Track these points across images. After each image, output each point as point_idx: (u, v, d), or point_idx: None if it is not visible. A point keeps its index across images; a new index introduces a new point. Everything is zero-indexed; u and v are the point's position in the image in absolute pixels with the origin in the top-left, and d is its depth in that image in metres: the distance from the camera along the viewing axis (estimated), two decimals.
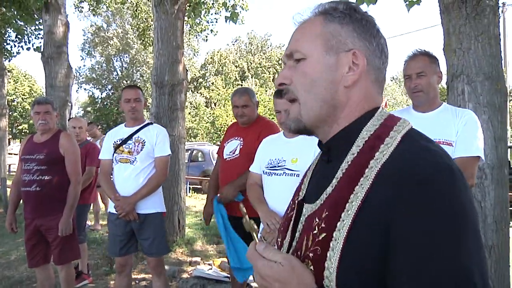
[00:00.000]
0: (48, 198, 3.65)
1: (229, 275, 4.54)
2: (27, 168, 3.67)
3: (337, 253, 0.82)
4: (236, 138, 3.65)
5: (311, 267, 0.87)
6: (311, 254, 0.88)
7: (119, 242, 3.57)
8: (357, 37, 0.95)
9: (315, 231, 0.89)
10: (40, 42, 10.38)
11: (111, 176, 3.69)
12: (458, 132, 2.36)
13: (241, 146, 3.54)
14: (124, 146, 3.59)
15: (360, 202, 0.82)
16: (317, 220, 0.90)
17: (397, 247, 0.76)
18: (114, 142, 3.65)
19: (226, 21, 9.34)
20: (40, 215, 3.67)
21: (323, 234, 0.86)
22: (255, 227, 0.97)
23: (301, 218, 0.99)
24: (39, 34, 10.89)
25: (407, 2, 4.75)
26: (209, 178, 13.91)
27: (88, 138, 6.58)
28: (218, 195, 3.57)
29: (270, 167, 2.78)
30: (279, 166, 2.72)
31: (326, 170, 0.98)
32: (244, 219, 1.00)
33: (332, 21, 0.96)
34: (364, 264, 0.79)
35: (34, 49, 10.67)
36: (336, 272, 0.82)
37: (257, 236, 0.95)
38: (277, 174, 2.73)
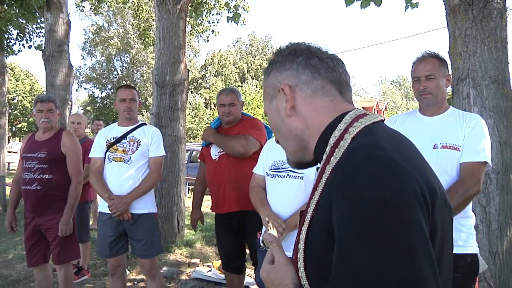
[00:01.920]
0: (48, 197, 3.61)
1: None
2: (28, 166, 3.63)
3: (301, 254, 0.94)
4: None
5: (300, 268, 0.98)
6: (293, 257, 1.00)
7: (109, 242, 3.52)
8: (279, 74, 1.08)
9: (298, 233, 1.01)
10: (42, 41, 10.36)
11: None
12: (465, 136, 2.31)
13: None
14: (118, 145, 3.55)
15: (314, 207, 0.93)
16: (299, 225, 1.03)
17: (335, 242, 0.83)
18: (107, 140, 3.60)
19: (228, 22, 9.32)
20: (40, 214, 3.62)
21: (297, 239, 0.99)
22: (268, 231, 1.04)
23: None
24: (40, 32, 10.86)
25: (409, 4, 4.74)
26: None
27: (90, 136, 6.52)
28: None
29: (274, 169, 2.73)
30: (283, 168, 2.68)
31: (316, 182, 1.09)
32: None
33: (265, 78, 1.14)
34: (320, 264, 0.88)
35: (35, 47, 10.63)
36: (304, 272, 0.93)
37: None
38: (280, 176, 2.68)
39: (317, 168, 1.06)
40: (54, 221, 3.61)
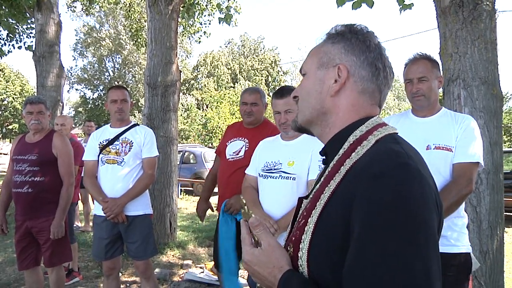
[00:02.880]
0: (39, 199, 3.57)
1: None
2: (18, 169, 3.59)
3: (308, 236, 0.96)
4: (240, 138, 3.54)
5: (292, 249, 1.01)
6: (293, 238, 1.03)
7: (105, 245, 3.50)
8: (345, 53, 1.08)
9: (299, 219, 1.06)
10: (32, 41, 10.26)
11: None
12: (458, 137, 2.33)
13: (247, 148, 3.42)
14: (111, 147, 3.53)
15: (330, 193, 0.96)
16: (303, 210, 1.07)
17: (352, 236, 0.86)
18: (100, 142, 3.58)
19: (220, 23, 9.31)
20: (31, 217, 3.59)
21: (303, 221, 1.01)
22: (253, 215, 1.04)
23: (300, 212, 1.14)
24: (31, 33, 10.75)
25: (401, 6, 4.77)
26: (201, 180, 13.85)
27: (80, 137, 6.49)
28: (225, 202, 3.32)
29: (266, 170, 2.73)
30: (275, 169, 2.68)
31: (322, 171, 1.14)
32: (243, 210, 1.10)
33: (327, 41, 1.12)
34: (328, 248, 0.91)
35: (25, 48, 10.54)
36: (307, 253, 0.95)
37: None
38: (273, 177, 2.68)
39: (324, 160, 1.15)
40: (45, 223, 3.58)
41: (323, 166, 2.59)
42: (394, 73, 1.14)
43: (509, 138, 36.17)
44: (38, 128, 3.66)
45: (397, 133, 1.05)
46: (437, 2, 3.66)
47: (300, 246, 0.97)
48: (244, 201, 1.03)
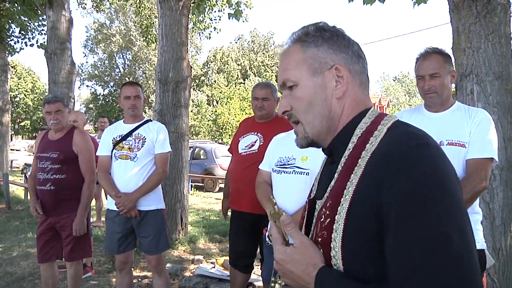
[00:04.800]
0: (62, 196, 3.64)
1: None
2: (41, 166, 3.65)
3: (339, 234, 0.94)
4: (253, 133, 3.55)
5: (321, 250, 0.99)
6: (319, 239, 1.01)
7: (117, 239, 3.54)
8: (333, 53, 1.07)
9: (322, 219, 1.02)
10: (44, 38, 10.36)
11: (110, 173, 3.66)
12: (471, 133, 2.29)
13: (261, 143, 3.42)
14: (124, 142, 3.56)
15: (354, 187, 0.95)
16: (323, 210, 1.03)
17: (387, 219, 0.86)
18: (113, 138, 3.61)
19: (229, 18, 9.30)
20: (54, 213, 3.67)
21: (328, 220, 0.99)
22: (284, 214, 1.05)
23: (315, 213, 1.11)
24: (42, 30, 10.87)
25: (414, 1, 4.72)
26: (211, 176, 13.87)
27: (92, 133, 6.53)
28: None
29: (280, 165, 2.74)
30: (289, 164, 2.68)
31: (331, 170, 1.11)
32: (273, 210, 1.07)
33: (309, 46, 1.08)
34: (363, 240, 0.91)
35: (37, 45, 10.64)
36: (341, 250, 0.94)
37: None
38: (286, 172, 2.68)
39: (331, 160, 1.13)
40: (68, 219, 3.65)
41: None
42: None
43: None
44: (58, 128, 3.70)
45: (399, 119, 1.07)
46: None
47: (332, 245, 0.96)
48: (275, 201, 0.99)
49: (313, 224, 1.10)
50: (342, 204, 0.96)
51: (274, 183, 2.80)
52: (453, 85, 2.71)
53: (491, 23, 3.35)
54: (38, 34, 11.27)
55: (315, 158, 2.63)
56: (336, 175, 1.05)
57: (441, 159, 0.90)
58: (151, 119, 3.86)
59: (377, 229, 0.88)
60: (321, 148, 1.17)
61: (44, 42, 9.89)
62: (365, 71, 1.11)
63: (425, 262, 0.79)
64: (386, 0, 4.73)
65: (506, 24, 3.38)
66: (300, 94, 1.09)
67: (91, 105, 46.34)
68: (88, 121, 42.21)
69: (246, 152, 3.49)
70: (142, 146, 3.53)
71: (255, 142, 3.47)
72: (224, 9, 11.76)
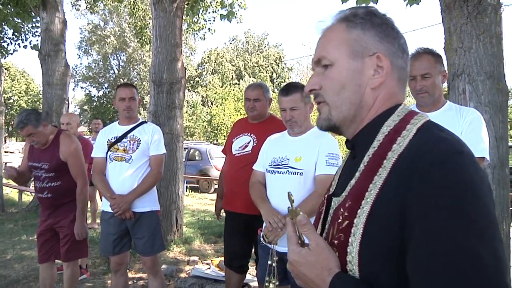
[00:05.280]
0: (60, 201, 3.68)
1: None
2: (37, 175, 3.68)
3: (357, 238, 0.89)
4: (246, 134, 3.56)
5: (337, 254, 0.94)
6: (336, 241, 0.95)
7: (112, 241, 3.55)
8: (379, 40, 1.00)
9: (339, 220, 0.96)
10: (37, 40, 10.32)
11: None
12: (463, 132, 2.32)
13: (255, 144, 3.43)
14: (119, 144, 3.56)
15: (378, 190, 0.89)
16: (341, 210, 0.97)
17: (411, 229, 0.81)
18: (108, 140, 3.61)
19: (221, 20, 9.32)
20: (53, 216, 3.71)
21: (346, 222, 0.93)
22: (301, 213, 1.01)
23: (330, 211, 1.06)
24: (36, 31, 10.83)
25: (407, 0, 4.75)
26: (206, 177, 13.84)
27: (86, 135, 6.53)
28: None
29: (274, 166, 2.75)
30: (282, 165, 2.70)
31: (351, 166, 1.05)
32: (290, 207, 1.05)
33: (355, 28, 1.02)
34: (382, 249, 0.85)
35: (31, 47, 10.60)
36: (357, 256, 0.88)
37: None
38: (280, 173, 2.70)
39: (353, 154, 1.06)
40: (65, 220, 3.68)
41: (332, 161, 2.61)
42: None
43: None
44: (40, 145, 3.66)
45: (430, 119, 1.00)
46: None
47: (348, 249, 0.90)
48: (293, 198, 0.96)
49: (327, 222, 1.05)
50: (363, 207, 0.90)
51: (268, 183, 2.82)
52: (445, 85, 2.74)
53: (482, 24, 3.38)
54: (32, 35, 11.23)
55: (309, 159, 2.65)
56: (357, 174, 0.99)
57: (476, 170, 0.83)
58: (146, 120, 3.87)
59: (399, 239, 0.83)
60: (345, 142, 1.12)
61: (37, 43, 9.86)
62: (406, 67, 1.04)
63: (452, 282, 0.74)
64: (379, 1, 4.76)
65: (496, 24, 3.41)
66: (334, 75, 1.03)
67: (85, 107, 46.18)
68: (83, 123, 42.08)
69: (239, 153, 3.50)
70: (137, 148, 3.53)
71: (248, 143, 3.49)
72: (218, 10, 11.77)
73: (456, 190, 0.79)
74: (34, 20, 10.22)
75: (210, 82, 42.03)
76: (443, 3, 3.63)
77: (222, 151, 3.98)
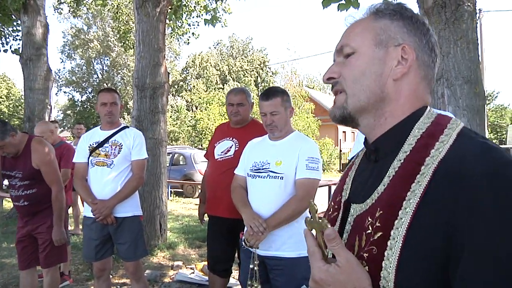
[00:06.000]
0: (36, 208, 3.62)
1: None
2: (12, 183, 3.62)
3: (396, 252, 0.81)
4: (228, 138, 3.57)
5: (366, 268, 0.85)
6: (365, 255, 0.87)
7: (95, 246, 3.53)
8: (407, 32, 0.97)
9: (368, 231, 0.88)
10: (19, 44, 10.20)
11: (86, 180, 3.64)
12: None
13: (237, 148, 3.44)
14: (100, 149, 3.55)
15: (418, 200, 0.81)
16: (369, 219, 0.89)
17: (464, 249, 0.73)
18: (90, 145, 3.60)
19: (205, 24, 9.33)
20: (31, 223, 3.66)
21: (379, 233, 0.85)
22: (329, 226, 0.90)
23: (349, 219, 0.98)
24: (17, 35, 10.70)
25: None
26: (190, 182, 13.79)
27: (69, 141, 6.49)
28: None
29: (255, 170, 2.77)
30: (263, 169, 2.72)
31: (373, 169, 0.98)
32: (310, 218, 0.93)
33: (383, 17, 0.99)
34: (424, 264, 0.78)
35: (12, 51, 10.48)
36: (395, 272, 0.80)
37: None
38: (261, 177, 2.72)
39: (376, 157, 1.00)
40: (43, 226, 3.63)
41: (312, 165, 2.64)
42: None
43: (496, 135, 36.63)
44: (10, 155, 3.57)
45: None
46: (420, 3, 3.73)
47: (383, 264, 0.82)
48: (316, 207, 0.86)
49: (346, 231, 0.97)
50: (401, 218, 0.82)
51: (249, 187, 2.83)
52: None
53: (459, 29, 3.46)
54: (13, 39, 11.09)
55: (289, 163, 2.68)
56: (386, 179, 0.90)
57: None
58: (128, 125, 3.86)
59: (443, 254, 0.76)
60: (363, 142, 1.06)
61: (18, 47, 9.75)
62: (434, 67, 0.99)
63: None
64: (360, 6, 4.82)
65: (473, 30, 3.50)
66: (355, 61, 0.98)
67: (68, 112, 45.64)
68: (66, 128, 41.60)
69: (222, 157, 3.51)
70: (118, 153, 3.53)
71: (230, 147, 3.50)
72: (202, 15, 11.79)
73: (508, 204, 0.72)
74: (15, 23, 10.11)
75: (194, 86, 41.95)
76: (422, 9, 3.70)
77: (204, 155, 3.99)
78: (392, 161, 0.92)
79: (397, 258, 0.80)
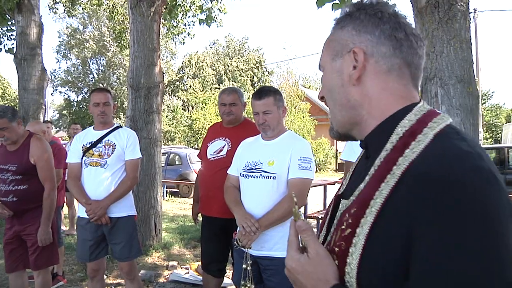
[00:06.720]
0: (25, 206, 3.57)
1: None
2: (2, 178, 3.56)
3: (358, 250, 0.82)
4: (221, 138, 3.56)
5: (336, 262, 0.87)
6: (336, 249, 0.89)
7: (89, 247, 3.52)
8: (356, 34, 0.95)
9: (343, 226, 0.90)
10: (13, 44, 10.15)
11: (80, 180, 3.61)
12: None
13: (229, 148, 3.43)
14: (94, 149, 3.54)
15: (383, 200, 0.81)
16: (347, 215, 0.91)
17: (417, 252, 0.74)
18: (83, 145, 3.59)
19: (200, 24, 9.31)
20: (19, 223, 3.60)
21: (349, 230, 0.87)
22: (302, 217, 0.97)
23: (338, 213, 1.00)
24: (12, 35, 10.64)
25: None
26: (186, 182, 13.78)
27: (65, 141, 6.46)
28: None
29: (247, 170, 2.78)
30: (256, 169, 2.73)
31: (363, 166, 0.99)
32: (293, 209, 0.98)
33: (335, 28, 1.00)
34: (384, 263, 0.79)
35: (6, 50, 10.43)
36: (356, 268, 0.82)
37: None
38: (253, 177, 2.73)
39: (366, 154, 0.99)
40: (32, 227, 3.58)
41: (304, 165, 2.65)
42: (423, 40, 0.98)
43: (491, 135, 36.76)
44: (9, 143, 3.58)
45: (452, 122, 0.91)
46: (414, 3, 3.72)
47: (348, 260, 0.84)
48: (295, 199, 0.93)
49: (333, 225, 0.99)
50: (367, 217, 0.83)
51: (242, 187, 2.84)
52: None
53: (452, 29, 3.46)
54: (7, 39, 11.04)
55: (282, 163, 2.68)
56: (367, 177, 0.91)
57: (494, 189, 0.74)
58: (121, 125, 3.85)
59: (402, 256, 0.76)
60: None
61: (13, 47, 9.71)
62: (400, 52, 0.93)
63: None
64: None
65: (466, 29, 3.50)
66: (324, 80, 1.01)
67: (64, 112, 45.49)
68: (62, 128, 41.45)
69: (214, 157, 3.51)
70: (112, 153, 3.52)
71: (223, 147, 3.50)
72: (198, 15, 11.77)
73: (467, 217, 0.71)
74: (9, 23, 10.06)
75: (190, 86, 41.89)
76: (415, 8, 3.70)
77: (197, 155, 3.98)
78: (375, 159, 0.92)
79: (359, 255, 0.82)
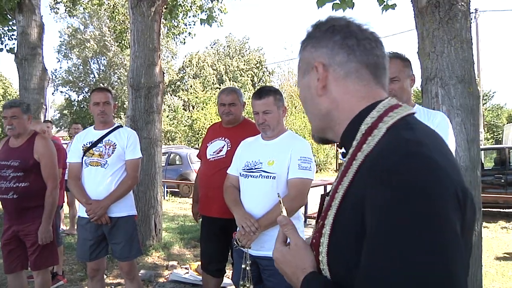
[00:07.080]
0: (26, 205, 3.54)
1: None
2: (3, 175, 3.54)
3: (326, 239, 0.92)
4: (220, 138, 3.56)
5: (314, 252, 0.97)
6: (314, 241, 0.99)
7: (89, 246, 3.51)
8: (315, 50, 1.05)
9: (320, 220, 1.00)
10: (14, 43, 10.15)
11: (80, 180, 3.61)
12: None
13: (229, 148, 3.42)
14: (94, 149, 3.53)
15: (343, 192, 0.90)
16: (324, 210, 1.00)
17: (366, 237, 0.80)
18: (84, 145, 3.58)
19: (201, 24, 9.31)
20: (17, 222, 3.57)
21: (321, 222, 0.97)
22: (283, 213, 1.12)
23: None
24: (12, 35, 10.63)
25: (382, 5, 4.83)
26: (186, 182, 13.78)
27: (66, 141, 6.46)
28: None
29: (247, 170, 2.77)
30: (255, 169, 2.72)
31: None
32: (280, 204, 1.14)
33: (300, 49, 1.11)
34: (346, 250, 0.86)
35: (7, 50, 10.43)
36: (326, 256, 0.91)
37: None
38: (253, 177, 2.72)
39: (343, 154, 1.04)
40: (32, 227, 3.56)
41: (304, 165, 2.65)
42: (381, 40, 1.06)
43: (492, 135, 36.70)
44: (14, 133, 3.60)
45: (414, 113, 0.97)
46: (414, 3, 3.72)
47: (320, 249, 0.93)
48: (279, 196, 1.31)
49: (319, 221, 1.06)
50: (332, 208, 0.92)
51: (242, 187, 2.83)
52: (419, 89, 2.79)
53: (453, 29, 3.45)
54: (8, 39, 11.03)
55: (281, 162, 2.68)
56: (338, 174, 0.99)
57: (430, 174, 0.78)
58: (122, 125, 3.85)
59: (357, 243, 0.82)
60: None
61: (14, 47, 9.71)
62: (356, 56, 1.00)
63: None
64: (355, 6, 4.82)
65: (467, 29, 3.49)
66: (300, 97, 1.14)
67: (65, 111, 45.51)
68: (63, 127, 41.45)
69: (214, 157, 3.51)
70: (112, 153, 3.51)
71: (222, 147, 3.49)
72: (198, 14, 11.76)
73: (402, 204, 0.75)
74: (10, 23, 10.05)
75: (191, 86, 41.88)
76: (416, 8, 3.69)
77: (197, 155, 3.98)
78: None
79: (327, 244, 0.91)
